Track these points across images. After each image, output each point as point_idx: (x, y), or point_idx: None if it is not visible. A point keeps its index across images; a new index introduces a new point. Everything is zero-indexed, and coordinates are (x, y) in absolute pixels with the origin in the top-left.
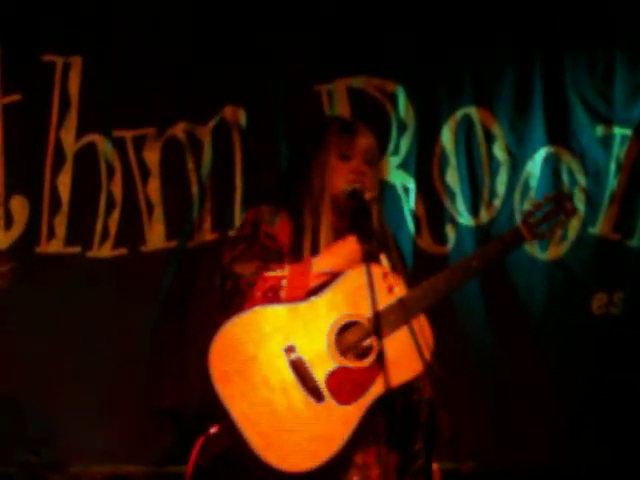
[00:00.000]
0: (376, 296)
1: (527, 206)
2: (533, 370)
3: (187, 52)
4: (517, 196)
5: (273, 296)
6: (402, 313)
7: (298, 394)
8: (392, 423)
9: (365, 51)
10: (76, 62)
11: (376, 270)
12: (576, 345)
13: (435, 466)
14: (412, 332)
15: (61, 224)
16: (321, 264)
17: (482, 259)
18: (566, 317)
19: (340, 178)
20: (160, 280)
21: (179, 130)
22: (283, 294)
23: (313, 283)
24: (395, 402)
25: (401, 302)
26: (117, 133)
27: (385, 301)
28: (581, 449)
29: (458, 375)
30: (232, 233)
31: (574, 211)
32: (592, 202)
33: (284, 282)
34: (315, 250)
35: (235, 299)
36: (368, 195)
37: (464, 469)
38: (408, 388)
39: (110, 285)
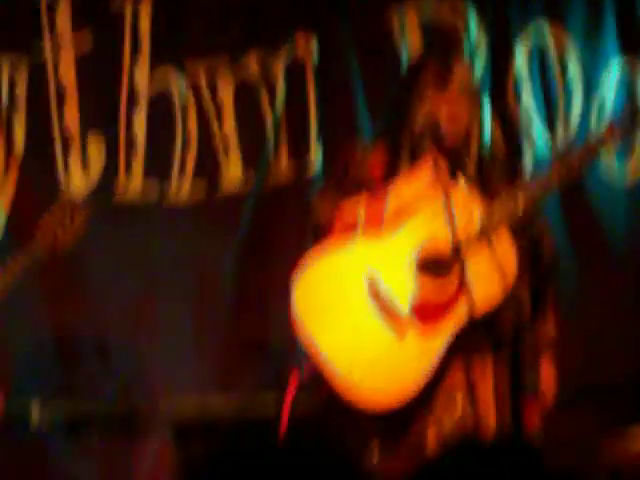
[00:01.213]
0: (455, 220)
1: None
2: (616, 296)
3: None
4: (594, 114)
5: (352, 227)
6: (483, 235)
7: (382, 327)
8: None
9: None
10: None
11: (454, 194)
12: None
13: None
14: (492, 254)
15: (138, 165)
16: (398, 192)
17: (565, 167)
18: None
19: (435, 109)
20: (239, 217)
21: (252, 61)
22: (360, 226)
23: (391, 212)
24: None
25: (481, 223)
26: (190, 65)
27: (464, 225)
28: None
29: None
30: (308, 174)
31: None
32: None
33: (362, 213)
34: None
35: (317, 234)
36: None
37: None
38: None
39: (189, 231)
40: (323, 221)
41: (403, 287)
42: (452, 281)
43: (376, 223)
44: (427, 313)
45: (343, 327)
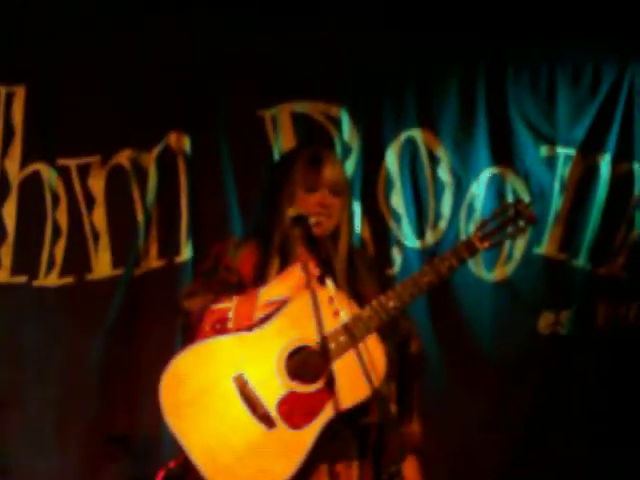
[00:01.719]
0: (322, 320)
1: (477, 222)
2: (482, 391)
3: (130, 80)
4: (462, 217)
5: (221, 328)
6: (351, 335)
7: (249, 422)
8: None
9: (307, 75)
10: (19, 91)
11: (322, 294)
12: (524, 364)
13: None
14: (359, 355)
15: (7, 254)
16: (269, 292)
17: (434, 273)
18: (513, 336)
19: (306, 210)
20: (107, 308)
21: (124, 158)
22: (231, 325)
23: (261, 312)
24: (344, 427)
25: (348, 324)
26: (62, 162)
27: (332, 325)
28: (529, 472)
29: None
30: (178, 260)
31: (533, 218)
32: (537, 222)
33: (231, 313)
34: None
35: (186, 333)
36: (313, 220)
37: None
38: (357, 412)
39: (57, 314)
40: (192, 320)
41: (270, 387)
42: (320, 382)
43: (245, 322)
44: (295, 415)
45: (210, 421)
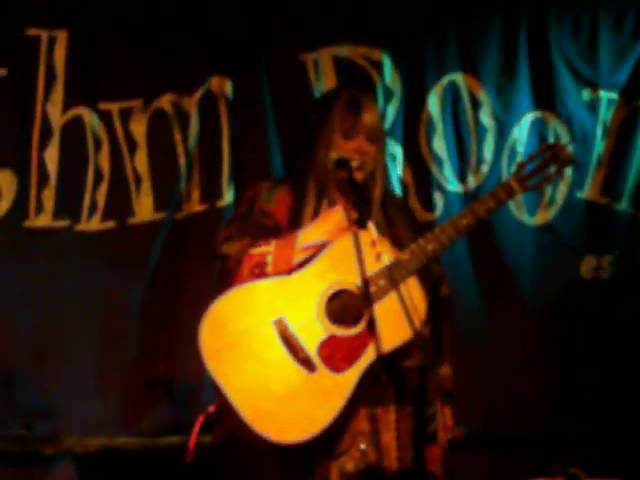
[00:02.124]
0: (364, 263)
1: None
2: (523, 335)
3: (171, 23)
4: (504, 162)
5: (259, 272)
6: (391, 278)
7: (290, 366)
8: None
9: (349, 19)
10: (61, 35)
11: (364, 237)
12: (566, 309)
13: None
14: (400, 298)
15: (49, 198)
16: (307, 236)
17: (473, 215)
18: (555, 281)
19: (342, 153)
20: (149, 252)
21: (166, 102)
22: (269, 269)
23: (300, 256)
24: (383, 371)
25: (390, 267)
26: (103, 106)
27: (373, 268)
28: (572, 415)
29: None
30: (220, 204)
31: (570, 160)
32: (579, 166)
33: (269, 258)
34: None
35: (224, 278)
36: (355, 164)
37: (457, 436)
38: (397, 355)
39: (99, 258)
40: (230, 264)
41: (311, 331)
42: (361, 325)
43: (284, 266)
44: (336, 358)
45: (250, 366)
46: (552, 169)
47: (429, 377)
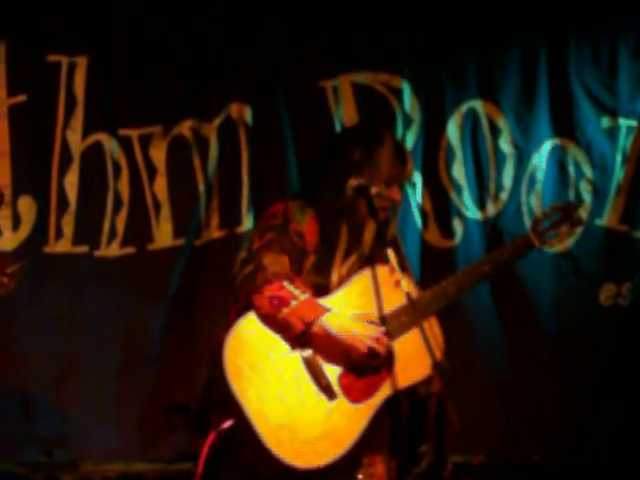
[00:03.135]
0: (383, 296)
1: (535, 210)
2: (542, 363)
3: (191, 50)
4: (524, 189)
5: (277, 305)
6: (413, 315)
7: (311, 391)
8: (398, 423)
9: (369, 46)
10: (81, 62)
11: (382, 270)
12: (585, 337)
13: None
14: (423, 334)
15: (69, 224)
16: (333, 320)
17: (494, 263)
18: (574, 309)
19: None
20: (168, 278)
21: (185, 128)
22: (285, 312)
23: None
24: (403, 401)
25: (412, 304)
26: (123, 132)
27: (393, 297)
28: (593, 443)
29: (468, 369)
30: (239, 230)
31: (580, 221)
32: (598, 194)
33: (294, 303)
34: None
35: (246, 284)
36: (374, 190)
37: (475, 462)
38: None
39: (118, 284)
40: (258, 277)
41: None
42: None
43: (297, 321)
44: (355, 389)
45: (270, 386)
46: (564, 228)
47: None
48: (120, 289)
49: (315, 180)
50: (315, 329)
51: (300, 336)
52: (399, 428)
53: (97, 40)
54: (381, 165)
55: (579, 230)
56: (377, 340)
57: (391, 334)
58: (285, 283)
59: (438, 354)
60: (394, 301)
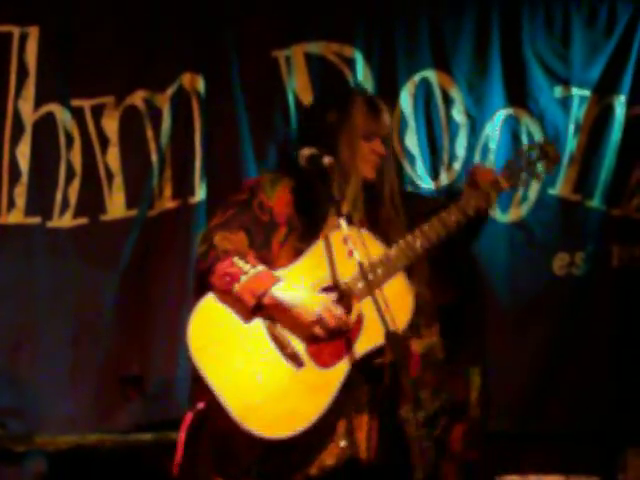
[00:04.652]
0: (335, 263)
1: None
2: (495, 333)
3: (143, 20)
4: (477, 158)
5: (229, 282)
6: (382, 272)
7: (278, 361)
8: (377, 386)
9: (321, 15)
10: (33, 32)
11: (335, 237)
12: (539, 306)
13: None
14: (376, 303)
15: (21, 195)
16: (283, 290)
17: (460, 212)
18: (528, 278)
19: (362, 158)
20: (121, 249)
21: (138, 98)
22: (237, 288)
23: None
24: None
25: (364, 273)
26: (76, 102)
27: (348, 264)
28: (546, 412)
29: None
30: (192, 200)
31: (557, 158)
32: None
33: (243, 278)
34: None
35: (201, 263)
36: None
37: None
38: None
39: (71, 255)
40: (211, 254)
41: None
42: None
43: (248, 295)
44: (323, 354)
45: (238, 361)
46: (540, 167)
47: (402, 376)
48: (73, 260)
49: (290, 150)
50: (266, 300)
51: (254, 309)
52: (378, 391)
53: (49, 10)
54: (355, 121)
55: (533, 183)
56: (326, 308)
57: (351, 300)
58: (235, 259)
59: (400, 320)
60: (346, 264)
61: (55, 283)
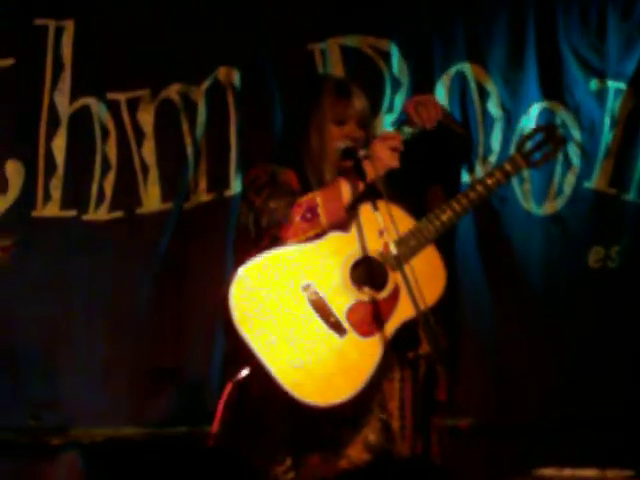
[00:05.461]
0: (365, 237)
1: (523, 173)
2: (531, 325)
3: (180, 13)
4: (512, 152)
5: (312, 216)
6: (415, 244)
7: (321, 330)
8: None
9: (358, 9)
10: (69, 25)
11: (367, 210)
12: (573, 299)
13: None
14: (406, 279)
15: (57, 187)
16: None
17: (483, 186)
18: (563, 272)
19: (335, 142)
20: (157, 242)
21: (173, 92)
22: (321, 211)
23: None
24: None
25: (412, 234)
26: (111, 96)
27: (378, 241)
28: (578, 403)
29: (454, 330)
30: (227, 193)
31: (563, 140)
32: (587, 156)
33: (319, 199)
34: None
35: (270, 231)
36: (362, 152)
37: (462, 426)
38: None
39: (107, 248)
40: (279, 217)
41: (338, 297)
42: (387, 290)
43: (335, 211)
44: (364, 323)
45: (282, 330)
46: (548, 148)
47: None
48: (109, 253)
49: (285, 143)
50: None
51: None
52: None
53: (84, 4)
54: (323, 107)
55: (569, 176)
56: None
57: (386, 270)
58: (299, 199)
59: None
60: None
61: (90, 276)
